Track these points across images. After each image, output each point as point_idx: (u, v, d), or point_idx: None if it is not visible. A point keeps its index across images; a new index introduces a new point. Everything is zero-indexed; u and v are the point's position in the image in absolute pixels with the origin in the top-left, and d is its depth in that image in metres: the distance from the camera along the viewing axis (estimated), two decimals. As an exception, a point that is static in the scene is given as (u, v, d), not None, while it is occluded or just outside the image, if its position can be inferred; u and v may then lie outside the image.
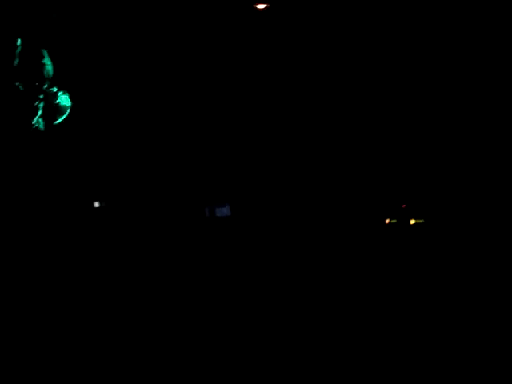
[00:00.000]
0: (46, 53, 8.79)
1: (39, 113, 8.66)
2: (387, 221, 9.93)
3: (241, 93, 10.72)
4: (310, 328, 7.80)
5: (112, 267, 9.00)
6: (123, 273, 8.92)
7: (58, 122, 8.90)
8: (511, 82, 10.01)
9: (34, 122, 8.60)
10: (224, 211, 10.32)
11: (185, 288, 8.86)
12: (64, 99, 8.90)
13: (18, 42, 8.65)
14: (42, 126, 8.74)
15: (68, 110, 8.93)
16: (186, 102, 10.66)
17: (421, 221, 9.75)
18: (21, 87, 8.62)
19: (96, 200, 10.17)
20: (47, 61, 8.79)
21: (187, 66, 10.57)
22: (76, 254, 8.98)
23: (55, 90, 8.81)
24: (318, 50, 10.54)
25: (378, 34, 10.36)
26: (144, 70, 10.47)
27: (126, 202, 10.30)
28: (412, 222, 9.79)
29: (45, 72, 8.77)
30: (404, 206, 9.96)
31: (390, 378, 6.73)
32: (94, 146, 10.35)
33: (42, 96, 8.72)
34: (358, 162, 10.41)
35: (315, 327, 7.82)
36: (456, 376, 6.69)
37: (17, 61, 8.61)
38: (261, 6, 10.47)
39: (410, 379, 6.69)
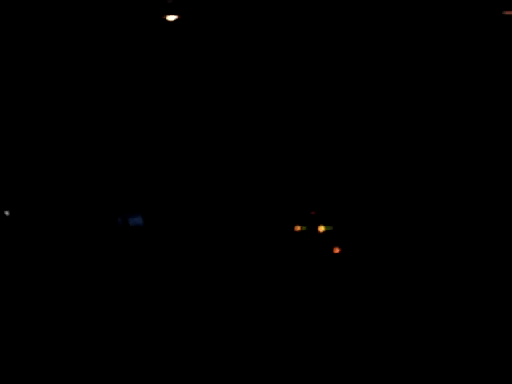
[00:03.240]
0: None
1: None
2: (297, 228, 10.03)
3: (154, 106, 10.68)
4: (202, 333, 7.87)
5: (22, 275, 8.88)
6: (35, 280, 8.81)
7: None
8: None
9: None
10: (137, 220, 10.25)
11: (97, 297, 8.80)
12: None
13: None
14: None
15: None
16: (87, 121, 10.54)
17: (330, 228, 9.90)
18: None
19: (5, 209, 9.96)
20: None
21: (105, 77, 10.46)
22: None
23: None
24: (228, 60, 10.61)
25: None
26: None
27: (40, 210, 10.11)
28: (321, 228, 9.91)
29: None
30: (313, 213, 10.09)
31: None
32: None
33: None
34: (270, 171, 10.48)
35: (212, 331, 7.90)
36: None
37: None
38: (171, 18, 10.48)
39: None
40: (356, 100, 10.51)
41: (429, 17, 10.26)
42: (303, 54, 10.53)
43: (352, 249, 9.72)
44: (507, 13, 10.24)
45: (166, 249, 9.85)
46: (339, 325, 8.07)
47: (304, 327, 8.04)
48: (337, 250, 9.71)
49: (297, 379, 6.81)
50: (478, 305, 8.31)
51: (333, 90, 10.54)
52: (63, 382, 6.75)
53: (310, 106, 10.58)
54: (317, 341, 7.69)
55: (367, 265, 9.45)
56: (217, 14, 10.42)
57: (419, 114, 10.35)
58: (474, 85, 10.28)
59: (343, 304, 8.65)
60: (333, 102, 10.54)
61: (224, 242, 9.97)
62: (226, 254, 9.76)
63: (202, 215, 10.34)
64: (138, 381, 6.79)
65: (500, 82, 10.21)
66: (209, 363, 7.14)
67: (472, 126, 10.23)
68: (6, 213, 9.91)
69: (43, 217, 10.13)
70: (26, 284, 8.89)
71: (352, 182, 10.28)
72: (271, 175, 10.51)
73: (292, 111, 10.63)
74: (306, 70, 10.58)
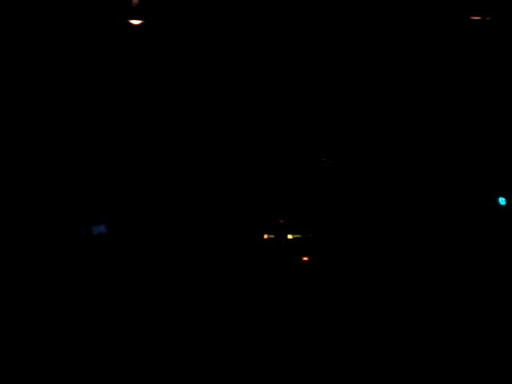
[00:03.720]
0: None
1: None
2: (265, 236, 9.99)
3: (119, 111, 10.56)
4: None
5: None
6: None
7: None
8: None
9: None
10: (101, 229, 10.10)
11: (60, 307, 8.66)
12: None
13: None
14: None
15: None
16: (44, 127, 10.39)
17: (298, 236, 9.87)
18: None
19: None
20: None
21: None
22: None
23: None
24: (192, 66, 10.53)
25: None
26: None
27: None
28: (289, 236, 9.89)
29: None
30: (282, 221, 10.06)
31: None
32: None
33: None
34: (238, 178, 10.44)
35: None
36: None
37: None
38: (135, 22, 10.36)
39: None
40: (333, 107, 10.47)
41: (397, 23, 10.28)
42: (280, 58, 10.49)
43: (321, 257, 9.66)
44: (474, 18, 10.29)
45: (131, 259, 9.70)
46: (307, 331, 8.02)
47: (271, 335, 7.99)
48: (305, 258, 9.64)
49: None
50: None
51: (308, 97, 10.50)
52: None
53: (286, 116, 10.52)
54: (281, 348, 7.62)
55: (336, 273, 9.40)
56: (182, 17, 10.32)
57: (398, 121, 10.36)
58: (444, 87, 10.34)
59: (311, 312, 8.62)
60: (307, 110, 10.49)
61: (190, 251, 9.86)
62: (193, 264, 9.64)
63: (167, 223, 10.21)
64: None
65: (470, 84, 10.29)
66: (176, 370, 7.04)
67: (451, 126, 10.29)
68: None
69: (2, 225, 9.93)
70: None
71: (321, 189, 10.24)
72: (239, 183, 10.42)
73: (265, 122, 10.56)
74: (285, 77, 10.54)
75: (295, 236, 9.88)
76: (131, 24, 10.36)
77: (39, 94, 10.29)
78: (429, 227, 9.65)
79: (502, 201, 8.94)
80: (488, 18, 10.10)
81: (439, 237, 9.55)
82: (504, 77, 10.18)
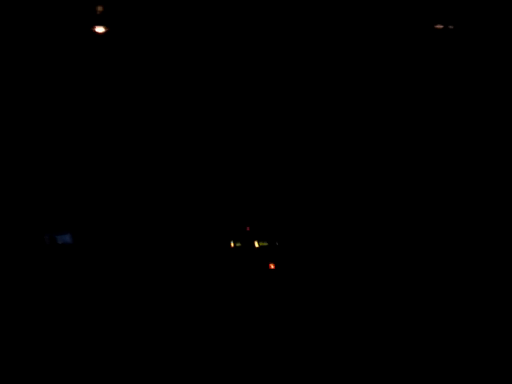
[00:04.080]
0: None
1: None
2: (232, 244, 9.98)
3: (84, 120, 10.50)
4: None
5: None
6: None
7: None
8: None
9: None
10: (66, 239, 10.03)
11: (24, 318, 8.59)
12: None
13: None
14: None
15: None
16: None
17: (265, 243, 9.88)
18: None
19: None
20: None
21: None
22: None
23: None
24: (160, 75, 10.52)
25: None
26: None
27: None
28: (256, 244, 9.89)
29: None
30: (248, 228, 10.06)
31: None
32: None
33: None
34: (202, 183, 10.43)
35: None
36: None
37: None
38: (100, 30, 10.30)
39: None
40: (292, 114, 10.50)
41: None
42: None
43: (288, 265, 9.66)
44: (437, 26, 10.41)
45: (96, 268, 9.64)
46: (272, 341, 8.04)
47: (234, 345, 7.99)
48: (272, 266, 9.64)
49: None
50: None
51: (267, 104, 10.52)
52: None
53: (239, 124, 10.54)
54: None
55: (303, 281, 9.41)
56: (148, 25, 10.30)
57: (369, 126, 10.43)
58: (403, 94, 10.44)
59: (277, 320, 8.63)
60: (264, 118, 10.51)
61: (155, 260, 9.82)
62: (157, 273, 9.60)
63: (132, 231, 10.17)
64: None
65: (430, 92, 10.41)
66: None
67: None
68: None
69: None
70: None
71: (288, 196, 10.27)
72: (202, 188, 10.41)
73: (220, 129, 10.56)
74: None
75: (262, 244, 9.89)
76: (95, 32, 10.31)
77: None
78: (407, 232, 9.72)
79: None
80: (451, 27, 10.22)
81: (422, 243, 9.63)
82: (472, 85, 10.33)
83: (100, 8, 9.97)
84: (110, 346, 8.13)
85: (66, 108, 10.45)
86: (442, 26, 10.29)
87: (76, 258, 9.78)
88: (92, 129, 10.54)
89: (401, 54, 10.31)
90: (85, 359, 7.84)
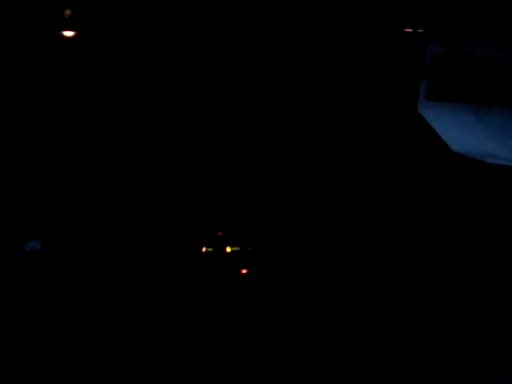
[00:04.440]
0: None
1: None
2: (204, 249, 9.93)
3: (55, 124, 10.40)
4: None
5: None
6: None
7: None
8: None
9: None
10: (34, 245, 9.91)
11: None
12: None
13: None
14: None
15: None
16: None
17: (237, 248, 9.84)
18: None
19: None
20: None
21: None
22: None
23: None
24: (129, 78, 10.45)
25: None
26: None
27: None
28: (228, 249, 9.84)
29: None
30: (220, 233, 10.01)
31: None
32: None
33: None
34: (173, 189, 10.38)
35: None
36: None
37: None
38: (68, 34, 10.21)
39: None
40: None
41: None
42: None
43: (260, 270, 9.64)
44: (407, 30, 10.46)
45: (65, 274, 9.54)
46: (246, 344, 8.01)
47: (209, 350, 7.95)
48: (244, 271, 9.61)
49: None
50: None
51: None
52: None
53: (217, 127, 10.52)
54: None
55: (275, 286, 9.39)
56: (116, 29, 10.23)
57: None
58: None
59: (248, 325, 8.61)
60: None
61: (125, 264, 9.74)
62: (128, 278, 9.52)
63: (100, 238, 10.07)
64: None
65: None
66: None
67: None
68: None
69: None
70: None
71: (260, 201, 10.26)
72: (175, 193, 10.36)
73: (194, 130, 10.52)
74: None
75: (234, 249, 9.85)
76: (64, 36, 10.21)
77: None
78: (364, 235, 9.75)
79: None
80: (420, 31, 10.28)
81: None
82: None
83: (68, 12, 9.90)
84: (75, 351, 8.06)
85: (33, 113, 10.33)
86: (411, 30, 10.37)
87: (45, 263, 9.67)
88: (57, 134, 10.43)
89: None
90: (49, 364, 7.76)
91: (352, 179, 10.11)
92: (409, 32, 10.39)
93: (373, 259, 9.49)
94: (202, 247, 9.92)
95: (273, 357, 7.92)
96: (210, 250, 9.89)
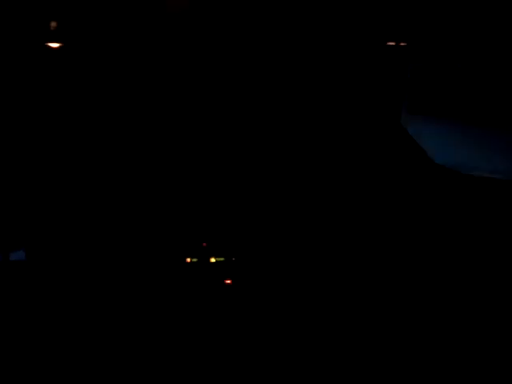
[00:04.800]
0: None
1: None
2: (188, 259, 9.97)
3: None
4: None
5: None
6: None
7: None
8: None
9: None
10: (19, 255, 9.93)
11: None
12: None
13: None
14: None
15: None
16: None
17: (221, 259, 9.88)
18: None
19: None
20: None
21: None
22: None
23: None
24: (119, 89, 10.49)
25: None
26: None
27: None
28: (212, 260, 9.88)
29: None
30: (205, 244, 10.05)
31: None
32: None
33: None
34: (156, 197, 10.41)
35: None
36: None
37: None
38: (54, 45, 10.26)
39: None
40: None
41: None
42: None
43: (245, 280, 9.69)
44: (390, 43, 10.56)
45: (50, 285, 9.55)
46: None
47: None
48: (228, 281, 9.65)
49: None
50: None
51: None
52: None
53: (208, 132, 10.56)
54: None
55: (259, 296, 9.44)
56: (102, 40, 10.27)
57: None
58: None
59: (233, 337, 8.64)
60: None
61: (109, 276, 9.77)
62: (111, 290, 9.55)
63: (87, 248, 10.10)
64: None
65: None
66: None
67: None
68: None
69: None
70: None
71: (244, 212, 10.30)
72: (157, 201, 10.39)
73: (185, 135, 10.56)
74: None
75: (218, 259, 9.89)
76: (50, 47, 10.26)
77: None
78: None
79: None
80: (403, 44, 10.39)
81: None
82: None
83: (54, 24, 9.94)
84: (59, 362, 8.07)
85: (17, 122, 10.37)
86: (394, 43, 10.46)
87: (30, 274, 9.68)
88: (42, 143, 10.46)
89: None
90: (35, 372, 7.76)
91: (336, 191, 10.20)
92: (392, 45, 10.52)
93: (358, 269, 9.56)
94: (186, 258, 9.96)
95: (258, 368, 7.96)
96: (194, 260, 9.94)
